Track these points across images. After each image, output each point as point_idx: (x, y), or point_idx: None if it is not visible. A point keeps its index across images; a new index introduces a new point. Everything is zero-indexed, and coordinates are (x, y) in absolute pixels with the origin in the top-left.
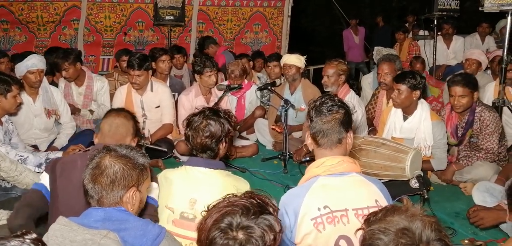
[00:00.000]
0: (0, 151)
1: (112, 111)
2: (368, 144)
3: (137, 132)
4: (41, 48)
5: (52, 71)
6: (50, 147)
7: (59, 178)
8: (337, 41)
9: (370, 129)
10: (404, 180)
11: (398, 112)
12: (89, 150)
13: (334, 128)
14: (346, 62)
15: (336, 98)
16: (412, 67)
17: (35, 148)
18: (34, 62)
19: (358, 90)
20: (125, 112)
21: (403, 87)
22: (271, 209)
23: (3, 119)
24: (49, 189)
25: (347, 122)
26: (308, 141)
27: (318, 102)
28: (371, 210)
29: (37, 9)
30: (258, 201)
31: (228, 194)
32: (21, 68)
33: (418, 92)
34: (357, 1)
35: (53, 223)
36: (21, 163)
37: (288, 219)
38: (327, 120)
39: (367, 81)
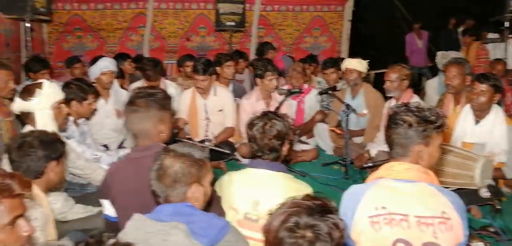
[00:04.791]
0: (77, 150)
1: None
2: (442, 153)
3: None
4: (110, 54)
5: (122, 75)
6: (120, 146)
7: (113, 194)
8: (398, 46)
9: None
10: (474, 189)
11: (469, 116)
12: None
13: (400, 142)
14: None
15: (413, 108)
16: (491, 70)
17: (106, 147)
18: (106, 64)
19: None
20: None
21: (486, 87)
22: (331, 209)
23: (79, 121)
24: (111, 212)
25: (420, 135)
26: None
27: (392, 113)
28: (436, 221)
29: (107, 17)
30: (320, 202)
31: (290, 197)
32: (94, 71)
33: (498, 96)
34: (420, 4)
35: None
36: (96, 161)
37: (346, 212)
38: (392, 133)
39: (432, 86)
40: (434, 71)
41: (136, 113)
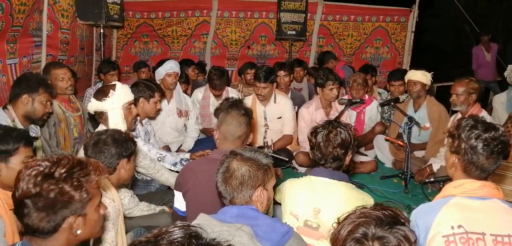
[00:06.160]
0: (143, 149)
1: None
2: (503, 170)
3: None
4: (174, 59)
5: (187, 81)
6: (179, 149)
7: (188, 187)
8: (463, 58)
9: None
10: None
11: None
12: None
13: (491, 167)
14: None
15: (504, 133)
16: None
17: (167, 148)
18: (171, 66)
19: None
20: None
21: None
22: (402, 220)
23: (143, 121)
24: (182, 205)
25: (503, 155)
26: (454, 160)
27: (486, 136)
28: None
29: (173, 24)
30: (390, 212)
31: (359, 206)
32: (161, 72)
33: None
34: (489, 15)
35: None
36: (160, 160)
37: (418, 232)
38: (488, 161)
39: (500, 101)
40: (502, 85)
41: (236, 117)
